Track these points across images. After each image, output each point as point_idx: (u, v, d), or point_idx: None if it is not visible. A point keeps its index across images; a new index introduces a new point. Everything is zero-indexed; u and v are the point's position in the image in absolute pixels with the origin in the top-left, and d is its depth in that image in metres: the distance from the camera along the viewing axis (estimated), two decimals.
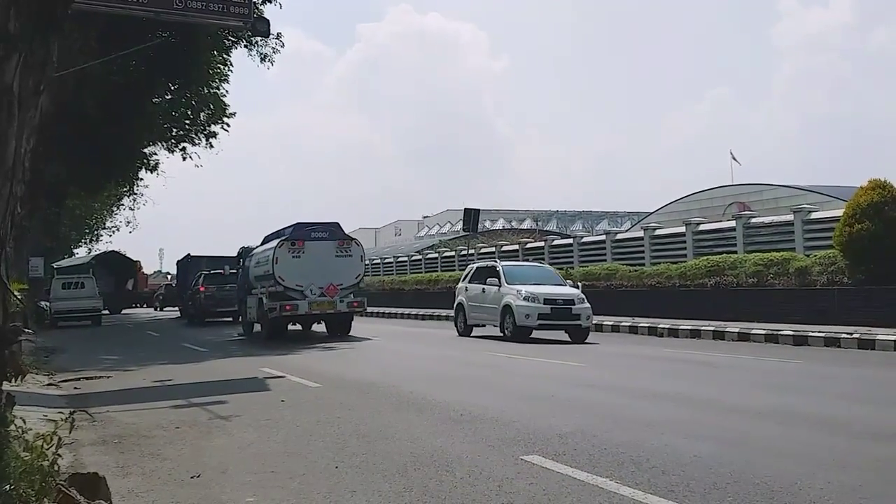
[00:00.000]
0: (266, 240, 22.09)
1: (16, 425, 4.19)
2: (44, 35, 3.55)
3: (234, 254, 25.57)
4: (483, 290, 18.17)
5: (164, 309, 47.47)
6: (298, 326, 21.45)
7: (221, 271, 28.94)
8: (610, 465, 5.38)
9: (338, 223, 20.52)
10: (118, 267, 49.50)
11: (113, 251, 54.58)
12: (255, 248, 22.50)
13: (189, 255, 39.11)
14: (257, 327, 20.84)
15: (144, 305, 54.09)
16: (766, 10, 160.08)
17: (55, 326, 29.44)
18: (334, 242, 19.71)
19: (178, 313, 37.27)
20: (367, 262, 23.37)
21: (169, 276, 68.06)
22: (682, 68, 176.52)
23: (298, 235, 19.55)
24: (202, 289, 29.13)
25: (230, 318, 26.92)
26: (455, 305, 19.85)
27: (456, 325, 19.68)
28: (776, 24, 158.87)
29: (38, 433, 4.32)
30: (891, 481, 4.92)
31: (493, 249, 33.71)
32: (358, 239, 20.87)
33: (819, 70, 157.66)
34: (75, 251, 57.92)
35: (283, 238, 19.72)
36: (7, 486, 3.67)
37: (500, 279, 17.64)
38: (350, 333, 19.90)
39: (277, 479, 5.34)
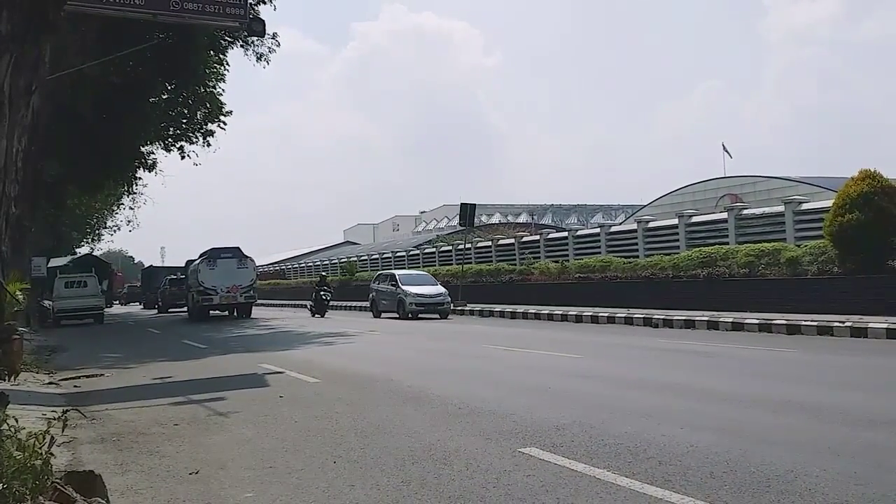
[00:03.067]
0: (199, 256, 32.34)
1: (8, 424, 4.21)
2: (36, 36, 3.57)
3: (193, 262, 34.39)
4: None
5: (128, 304, 63.94)
6: (225, 313, 31.56)
7: (174, 276, 42.18)
8: (607, 455, 5.41)
9: (238, 247, 31.18)
10: (95, 269, 50.55)
11: (89, 254, 56.73)
12: (196, 261, 32.53)
13: (151, 266, 63.20)
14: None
15: (115, 303, 62.74)
16: (753, 3, 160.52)
17: (58, 325, 29.58)
18: (236, 259, 30.50)
19: (140, 307, 54.19)
20: (258, 270, 36.35)
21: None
22: (672, 62, 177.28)
23: (213, 255, 30.53)
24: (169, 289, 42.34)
25: (185, 309, 35.42)
26: None
27: None
28: (764, 18, 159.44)
29: (31, 432, 4.34)
30: (886, 468, 4.94)
31: (490, 243, 33.74)
32: (251, 257, 31.61)
33: (808, 62, 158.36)
34: (77, 251, 58.41)
35: (204, 257, 31.01)
36: (0, 485, 3.69)
37: None
38: (252, 317, 30.46)
39: (276, 475, 5.37)
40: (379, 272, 32.31)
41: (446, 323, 22.66)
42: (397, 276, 27.17)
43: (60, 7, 3.72)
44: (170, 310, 41.13)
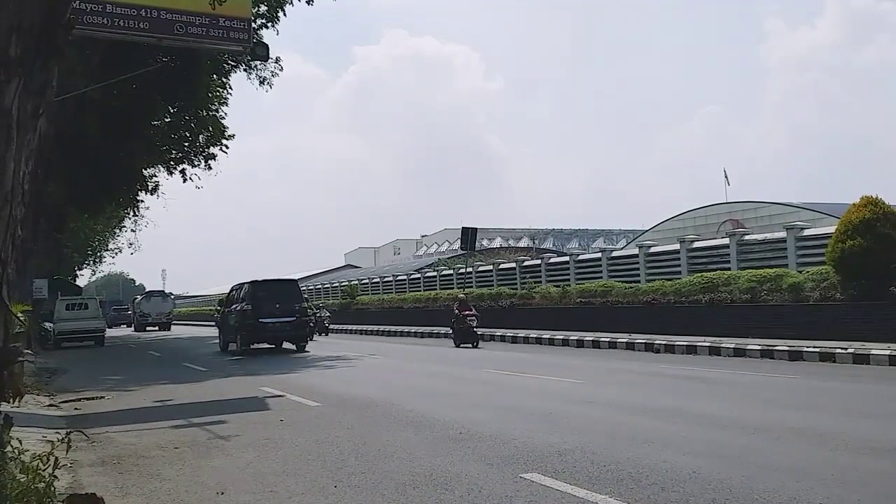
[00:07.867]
0: (141, 295, 56.36)
1: (13, 446, 4.20)
2: (44, 60, 3.60)
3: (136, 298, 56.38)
4: None
5: None
6: (156, 328, 50.16)
7: (116, 307, 66.60)
8: (609, 481, 5.38)
9: (164, 290, 58.14)
10: (63, 291, 51.03)
11: (58, 277, 56.16)
12: (138, 298, 55.82)
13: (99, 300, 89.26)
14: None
15: None
16: (752, 30, 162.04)
17: (59, 347, 29.52)
18: (162, 297, 53.65)
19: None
20: (175, 300, 60.11)
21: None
22: (672, 87, 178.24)
23: (149, 294, 54.32)
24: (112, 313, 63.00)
25: (125, 325, 59.20)
26: None
27: None
28: (764, 43, 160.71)
29: (35, 454, 4.33)
30: (889, 495, 4.92)
31: (491, 267, 33.74)
32: (172, 295, 57.65)
33: (808, 87, 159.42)
34: (79, 273, 58.78)
35: (143, 296, 54.59)
36: None
37: None
38: (170, 330, 48.07)
39: (276, 499, 5.34)
40: None
41: (448, 348, 22.59)
42: None
43: (69, 31, 3.76)
44: (112, 326, 60.04)
